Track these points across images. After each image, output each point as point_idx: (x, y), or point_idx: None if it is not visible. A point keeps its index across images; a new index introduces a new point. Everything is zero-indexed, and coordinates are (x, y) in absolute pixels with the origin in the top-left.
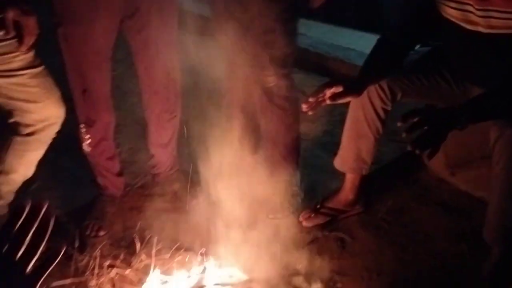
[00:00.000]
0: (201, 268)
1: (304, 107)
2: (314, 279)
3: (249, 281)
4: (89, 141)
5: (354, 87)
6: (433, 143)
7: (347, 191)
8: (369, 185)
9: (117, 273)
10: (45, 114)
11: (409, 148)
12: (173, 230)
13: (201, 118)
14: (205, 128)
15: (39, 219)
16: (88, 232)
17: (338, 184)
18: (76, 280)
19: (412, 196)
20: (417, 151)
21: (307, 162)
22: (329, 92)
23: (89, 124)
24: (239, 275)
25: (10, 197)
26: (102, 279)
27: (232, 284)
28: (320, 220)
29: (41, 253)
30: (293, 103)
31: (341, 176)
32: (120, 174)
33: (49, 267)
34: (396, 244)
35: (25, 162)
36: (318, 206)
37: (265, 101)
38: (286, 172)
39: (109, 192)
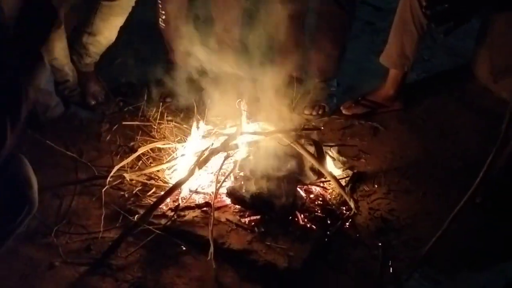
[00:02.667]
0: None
1: None
2: (341, 152)
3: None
4: (164, 17)
5: None
6: (451, 19)
7: (389, 86)
8: (412, 87)
9: (174, 125)
10: None
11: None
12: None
13: None
14: None
15: None
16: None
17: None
18: (142, 123)
19: (453, 100)
20: (435, 24)
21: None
22: None
23: (165, 0)
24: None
25: (96, 57)
26: (163, 126)
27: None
28: (359, 110)
29: None
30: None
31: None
32: None
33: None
34: (426, 137)
35: (109, 26)
36: (359, 98)
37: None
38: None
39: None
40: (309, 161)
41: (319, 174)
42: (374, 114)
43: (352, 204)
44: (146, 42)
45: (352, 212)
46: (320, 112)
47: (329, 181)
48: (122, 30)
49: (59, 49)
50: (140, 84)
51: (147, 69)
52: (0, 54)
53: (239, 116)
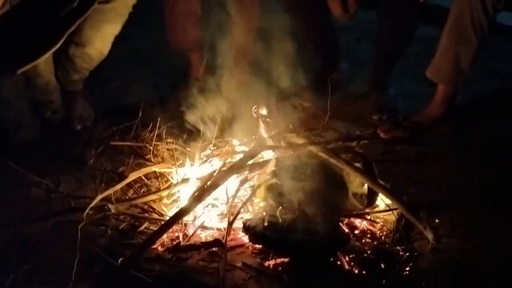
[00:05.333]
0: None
1: None
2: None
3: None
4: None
5: None
6: None
7: (436, 106)
8: (459, 109)
9: (175, 147)
10: None
11: None
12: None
13: None
14: None
15: None
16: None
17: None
18: (135, 144)
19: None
20: None
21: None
22: None
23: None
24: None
25: (85, 73)
26: (160, 147)
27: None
28: (400, 133)
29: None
30: None
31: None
32: None
33: (84, 14)
34: (486, 164)
35: (101, 35)
36: (401, 119)
37: None
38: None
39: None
40: (354, 184)
41: (368, 202)
42: (419, 138)
43: (429, 236)
44: (147, 66)
45: (429, 246)
46: (391, 115)
47: (379, 212)
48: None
49: (43, 64)
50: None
51: (148, 92)
52: None
53: (257, 126)
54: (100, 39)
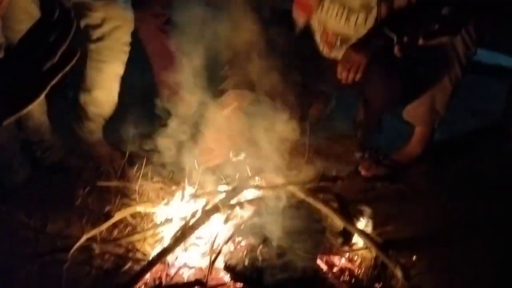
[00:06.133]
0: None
1: (396, 49)
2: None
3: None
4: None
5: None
6: None
7: (414, 145)
8: (437, 147)
9: (161, 187)
10: (109, 12)
11: None
12: None
13: None
14: None
15: (64, 21)
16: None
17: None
18: (120, 183)
19: (488, 160)
20: None
21: None
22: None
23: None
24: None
25: (100, 121)
26: (146, 187)
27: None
28: (381, 171)
29: (60, 54)
30: None
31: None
32: None
33: (65, 67)
34: (464, 200)
35: (104, 76)
36: (381, 157)
37: None
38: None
39: None
40: (331, 222)
41: (344, 240)
42: (398, 175)
43: (399, 274)
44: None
45: (399, 284)
46: (372, 153)
47: (357, 250)
48: None
49: (36, 105)
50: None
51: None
52: None
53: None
54: (105, 80)
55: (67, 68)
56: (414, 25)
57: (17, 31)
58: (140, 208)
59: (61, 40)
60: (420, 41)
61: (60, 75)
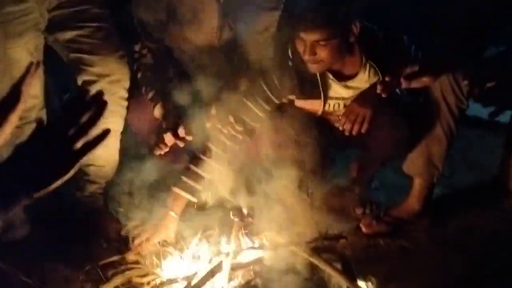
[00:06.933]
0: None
1: (379, 88)
2: (369, 277)
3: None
4: None
5: (430, 68)
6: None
7: (414, 200)
8: (438, 203)
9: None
10: (106, 67)
11: None
12: None
13: None
14: None
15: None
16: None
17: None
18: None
19: (490, 216)
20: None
21: None
22: (405, 72)
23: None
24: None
25: (100, 182)
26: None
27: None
28: (382, 228)
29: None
30: None
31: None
32: None
33: (96, 145)
34: (469, 256)
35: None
36: (382, 213)
37: None
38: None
39: None
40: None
41: None
42: (399, 232)
43: None
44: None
45: None
46: (373, 209)
47: None
48: None
49: None
50: None
51: None
52: None
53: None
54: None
55: (99, 146)
56: (395, 64)
57: None
58: (138, 273)
59: (93, 119)
60: (403, 82)
61: (90, 152)
